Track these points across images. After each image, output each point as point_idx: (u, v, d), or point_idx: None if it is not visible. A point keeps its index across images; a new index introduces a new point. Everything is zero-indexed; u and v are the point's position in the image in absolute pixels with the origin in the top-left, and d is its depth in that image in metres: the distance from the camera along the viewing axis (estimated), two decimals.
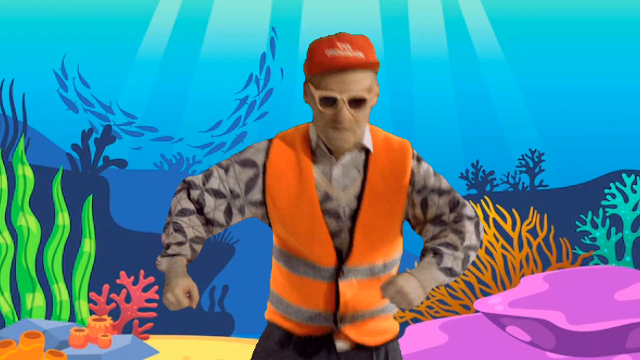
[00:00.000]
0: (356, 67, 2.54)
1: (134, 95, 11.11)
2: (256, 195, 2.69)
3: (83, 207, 7.74)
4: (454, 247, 2.62)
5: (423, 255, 2.65)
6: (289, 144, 2.70)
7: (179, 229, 2.64)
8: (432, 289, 7.41)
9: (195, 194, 2.68)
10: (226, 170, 2.69)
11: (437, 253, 2.60)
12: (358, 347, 2.75)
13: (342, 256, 2.68)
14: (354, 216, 2.66)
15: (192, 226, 2.66)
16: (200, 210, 2.68)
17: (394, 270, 2.78)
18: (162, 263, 2.63)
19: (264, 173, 2.68)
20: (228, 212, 2.69)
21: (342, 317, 2.71)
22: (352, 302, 2.70)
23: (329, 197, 2.66)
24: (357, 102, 2.56)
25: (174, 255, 2.63)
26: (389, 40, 11.38)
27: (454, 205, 2.69)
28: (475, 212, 2.73)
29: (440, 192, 2.69)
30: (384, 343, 2.78)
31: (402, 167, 2.68)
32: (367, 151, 2.69)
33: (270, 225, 2.75)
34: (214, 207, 2.67)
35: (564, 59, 11.29)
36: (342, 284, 2.68)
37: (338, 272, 2.67)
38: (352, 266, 2.67)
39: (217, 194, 2.68)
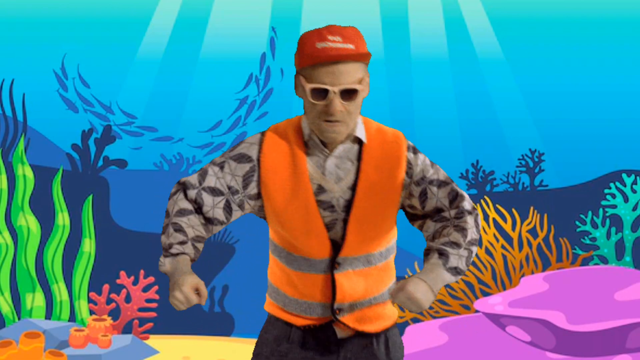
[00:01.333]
0: (347, 59, 2.53)
1: (134, 95, 11.11)
2: (254, 189, 2.68)
3: (83, 207, 7.74)
4: (458, 246, 2.62)
5: (427, 254, 2.65)
6: (282, 136, 2.69)
7: (179, 229, 2.63)
8: None
9: (192, 193, 2.66)
10: (221, 167, 2.68)
11: (442, 254, 2.60)
12: (358, 334, 2.77)
13: (337, 247, 2.68)
14: (348, 207, 2.66)
15: (192, 226, 2.65)
16: (198, 209, 2.67)
17: (391, 258, 2.80)
18: (165, 263, 2.62)
19: (259, 167, 2.67)
20: (227, 209, 2.67)
21: (340, 307, 2.72)
22: (350, 292, 2.71)
23: (323, 190, 2.66)
24: (348, 94, 2.56)
25: (177, 254, 2.61)
26: (389, 40, 11.38)
27: (454, 198, 2.69)
28: (472, 204, 2.73)
29: (439, 184, 2.69)
30: (383, 330, 2.79)
31: (396, 158, 2.68)
32: (360, 142, 2.69)
33: (265, 219, 2.75)
34: (213, 205, 2.66)
35: (564, 59, 11.29)
36: (339, 276, 2.69)
37: (333, 263, 2.68)
38: (347, 256, 2.68)
39: (214, 191, 2.66)
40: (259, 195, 2.69)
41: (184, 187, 2.68)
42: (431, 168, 2.70)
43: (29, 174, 7.55)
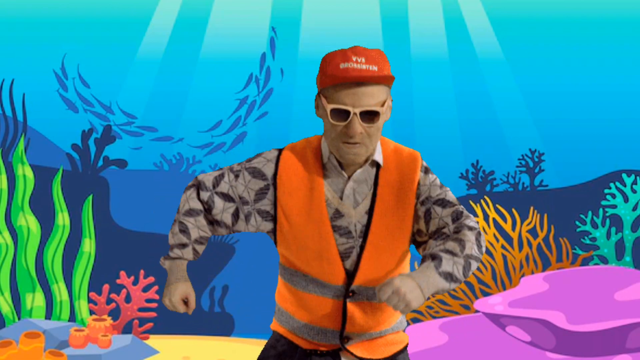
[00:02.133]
0: (369, 81, 2.47)
1: (134, 95, 11.11)
2: (266, 206, 2.65)
3: (83, 207, 7.74)
4: (453, 253, 2.50)
5: (422, 262, 2.56)
6: (300, 157, 2.65)
7: (184, 230, 2.70)
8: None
9: (204, 195, 2.69)
10: (236, 175, 2.67)
11: (435, 257, 2.49)
12: None
13: (351, 275, 2.62)
14: (365, 233, 2.61)
15: (198, 227, 2.71)
16: (208, 210, 2.71)
17: None
18: (165, 264, 2.74)
19: (275, 186, 2.64)
20: (235, 215, 2.69)
21: (348, 335, 2.68)
22: (360, 322, 2.66)
23: (340, 214, 2.61)
24: (369, 116, 2.50)
25: (174, 258, 2.72)
26: (389, 40, 11.37)
27: (457, 217, 2.60)
28: (477, 224, 2.63)
29: (444, 204, 2.61)
30: (392, 354, 2.75)
31: (411, 180, 2.63)
32: (377, 165, 2.64)
33: (275, 241, 2.70)
34: (223, 209, 2.69)
35: (564, 59, 11.29)
36: (351, 305, 2.64)
37: (347, 290, 2.63)
38: (362, 285, 2.62)
39: (226, 197, 2.68)
40: (272, 216, 2.65)
41: (198, 186, 2.73)
42: (439, 189, 2.64)
43: (29, 174, 7.55)
